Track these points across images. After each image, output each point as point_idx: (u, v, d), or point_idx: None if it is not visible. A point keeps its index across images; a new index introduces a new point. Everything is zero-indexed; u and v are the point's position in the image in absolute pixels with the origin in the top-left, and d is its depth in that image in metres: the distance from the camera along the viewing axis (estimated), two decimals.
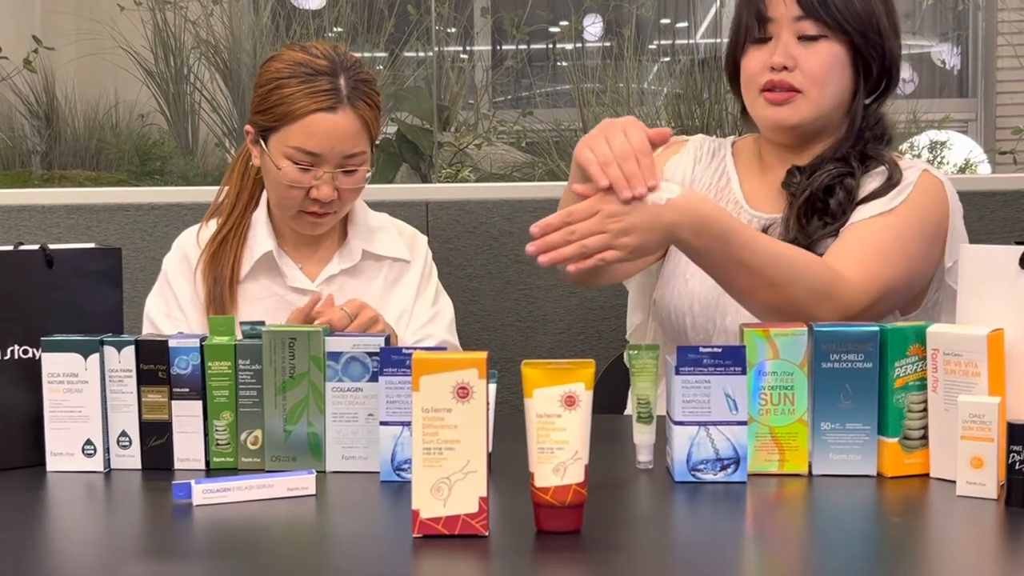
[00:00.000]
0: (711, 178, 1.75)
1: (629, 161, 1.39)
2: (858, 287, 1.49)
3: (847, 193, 1.62)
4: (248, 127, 1.79)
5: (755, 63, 1.65)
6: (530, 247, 1.39)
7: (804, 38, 1.62)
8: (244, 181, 1.86)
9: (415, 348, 1.27)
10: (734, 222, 1.46)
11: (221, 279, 1.80)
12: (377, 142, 1.81)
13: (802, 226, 1.61)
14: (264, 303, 1.80)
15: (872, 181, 1.63)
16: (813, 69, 1.62)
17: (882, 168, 1.64)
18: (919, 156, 4.17)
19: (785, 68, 1.62)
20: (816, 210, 1.62)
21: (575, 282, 1.70)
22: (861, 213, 1.60)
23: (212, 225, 1.85)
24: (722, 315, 1.65)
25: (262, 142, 1.76)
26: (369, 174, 1.77)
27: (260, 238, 1.82)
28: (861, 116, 1.66)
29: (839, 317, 1.46)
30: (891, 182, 1.62)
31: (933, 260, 1.62)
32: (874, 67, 1.64)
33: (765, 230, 1.64)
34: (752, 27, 1.66)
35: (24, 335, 1.42)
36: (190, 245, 1.86)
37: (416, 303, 1.85)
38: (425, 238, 1.93)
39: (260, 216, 1.83)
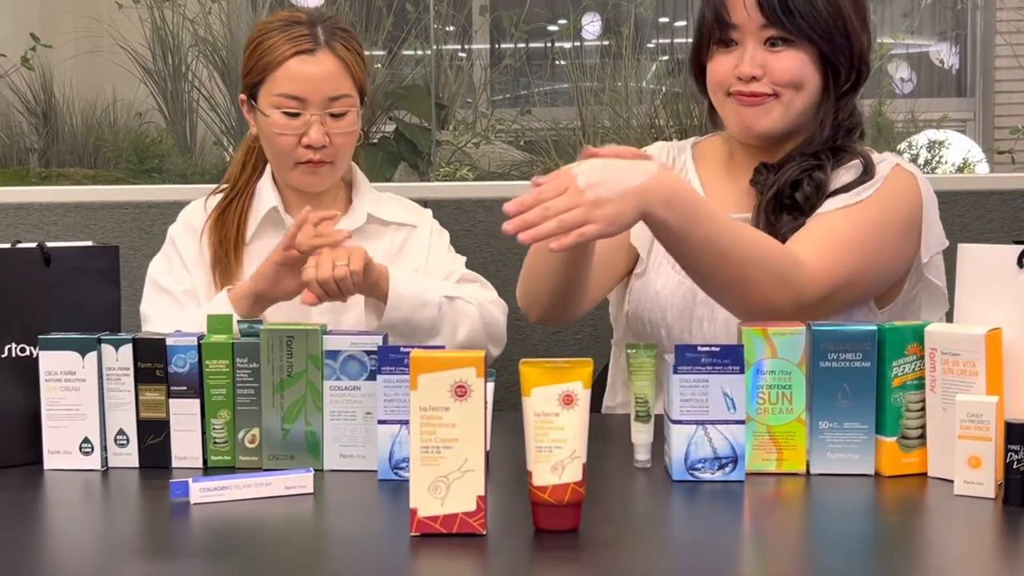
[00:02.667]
0: None
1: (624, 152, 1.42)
2: (816, 275, 1.47)
3: (815, 187, 1.60)
4: (241, 96, 1.83)
5: (722, 68, 1.63)
6: (507, 225, 1.34)
7: (770, 45, 1.60)
8: (249, 156, 1.89)
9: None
10: (703, 199, 1.46)
11: (226, 240, 1.82)
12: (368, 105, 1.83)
13: (771, 223, 1.60)
14: None
15: (845, 174, 1.62)
16: (782, 75, 1.60)
17: (856, 161, 1.62)
18: (917, 156, 4.17)
19: (754, 78, 1.60)
20: (784, 206, 1.60)
21: (541, 320, 1.68)
22: (828, 205, 1.58)
23: (219, 198, 1.88)
24: (698, 324, 1.63)
25: (253, 103, 1.80)
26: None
27: (265, 198, 1.84)
28: (832, 114, 1.63)
29: (795, 304, 1.45)
30: (863, 176, 1.60)
31: (904, 254, 1.60)
32: (842, 69, 1.62)
33: None
34: (714, 30, 1.64)
35: (21, 333, 1.42)
36: (197, 213, 1.88)
37: (431, 255, 1.86)
38: (429, 211, 1.94)
39: (265, 181, 1.86)
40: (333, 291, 1.60)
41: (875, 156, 1.65)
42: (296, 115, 1.75)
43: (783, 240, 1.56)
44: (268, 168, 1.86)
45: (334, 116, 1.76)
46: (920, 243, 1.61)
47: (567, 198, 1.34)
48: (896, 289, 1.63)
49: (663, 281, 1.66)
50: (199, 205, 1.88)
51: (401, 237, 1.87)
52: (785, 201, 1.61)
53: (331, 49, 1.77)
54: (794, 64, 1.60)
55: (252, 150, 1.89)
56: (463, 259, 1.90)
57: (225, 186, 1.90)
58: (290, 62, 1.75)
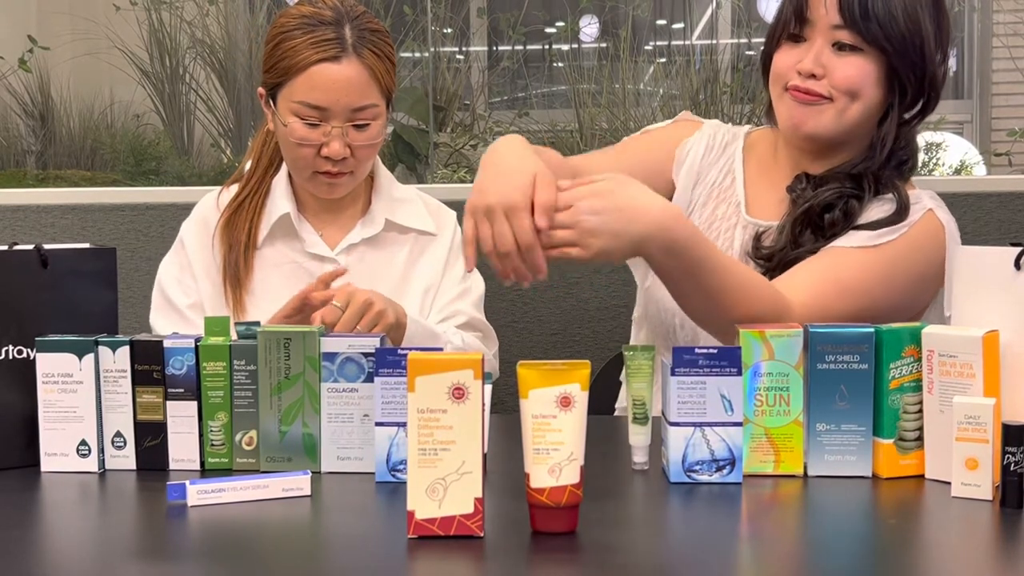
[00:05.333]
0: (716, 175, 1.73)
1: (510, 258, 1.35)
2: (800, 319, 1.46)
3: (845, 215, 1.59)
4: (260, 89, 1.74)
5: (785, 61, 1.62)
6: None
7: (839, 48, 1.58)
8: (264, 148, 1.82)
9: (419, 349, 1.26)
10: (703, 244, 1.43)
11: (236, 244, 1.75)
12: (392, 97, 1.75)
13: (794, 236, 1.59)
14: (281, 269, 1.75)
15: (877, 208, 1.60)
16: (842, 81, 1.58)
17: (891, 196, 1.60)
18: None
19: (813, 76, 1.58)
20: (811, 223, 1.60)
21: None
22: (847, 239, 1.57)
23: (234, 189, 1.82)
24: None
25: (272, 102, 1.71)
26: (388, 131, 1.72)
27: (278, 202, 1.77)
28: (892, 137, 1.61)
29: None
30: (893, 216, 1.58)
31: (910, 304, 1.59)
32: (910, 90, 1.60)
33: (759, 236, 1.63)
34: (790, 23, 1.62)
35: (18, 335, 1.41)
36: (210, 209, 1.81)
37: (444, 278, 1.80)
38: (454, 213, 1.86)
39: (280, 181, 1.79)
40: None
41: (912, 195, 1.62)
42: (317, 125, 1.67)
43: (800, 256, 1.57)
44: (284, 165, 1.79)
45: (357, 127, 1.68)
46: (933, 294, 1.59)
47: (569, 215, 1.35)
48: None
49: None
50: (212, 200, 1.82)
51: (420, 247, 1.81)
52: (814, 219, 1.60)
53: (359, 56, 1.66)
54: (856, 71, 1.58)
55: (267, 143, 1.81)
56: (479, 288, 1.83)
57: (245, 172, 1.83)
58: (313, 69, 1.65)
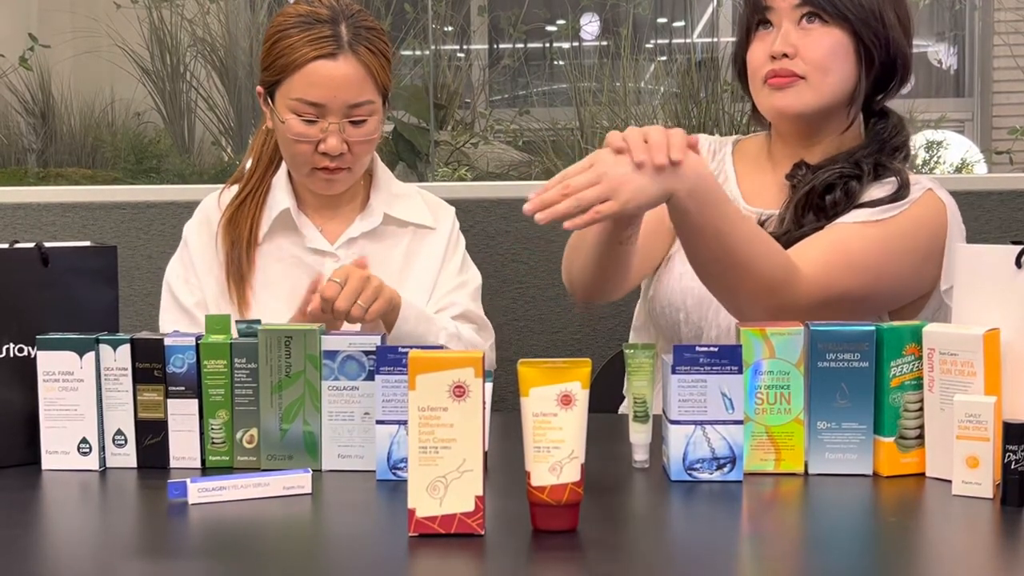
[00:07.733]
0: None
1: (658, 134, 1.35)
2: (809, 289, 1.47)
3: (846, 194, 1.60)
4: (259, 87, 1.76)
5: (758, 54, 1.65)
6: (527, 206, 1.34)
7: (805, 22, 1.61)
8: (265, 146, 1.84)
9: (414, 347, 1.26)
10: (724, 193, 1.44)
11: (239, 241, 1.78)
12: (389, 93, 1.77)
13: (797, 218, 1.60)
14: (282, 264, 1.78)
15: (878, 190, 1.61)
16: (814, 55, 1.60)
17: (892, 179, 1.62)
18: (915, 156, 4.17)
19: (786, 56, 1.61)
20: (813, 205, 1.61)
21: (585, 299, 1.68)
22: (851, 216, 1.58)
23: (235, 189, 1.84)
24: (715, 312, 1.64)
25: (270, 100, 1.73)
26: (386, 128, 1.75)
27: (278, 198, 1.80)
28: (863, 100, 1.64)
29: (779, 312, 1.44)
30: (894, 195, 1.59)
31: (914, 281, 1.60)
32: (876, 56, 1.62)
33: (761, 224, 1.64)
34: (752, 18, 1.65)
35: (19, 333, 1.41)
36: (211, 208, 1.84)
37: (442, 271, 1.82)
38: (452, 209, 1.89)
39: (280, 178, 1.82)
40: (339, 317, 1.57)
41: (912, 178, 1.64)
42: (314, 122, 1.69)
43: (802, 238, 1.57)
44: (284, 163, 1.82)
45: (354, 123, 1.70)
46: (935, 271, 1.60)
47: (591, 174, 1.33)
48: (913, 309, 1.62)
49: (688, 267, 1.66)
50: (213, 200, 1.85)
51: (418, 240, 1.83)
52: (816, 201, 1.61)
53: (355, 53, 1.68)
54: (827, 43, 1.60)
55: (267, 142, 1.83)
56: (476, 282, 1.85)
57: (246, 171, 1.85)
58: (310, 66, 1.67)
